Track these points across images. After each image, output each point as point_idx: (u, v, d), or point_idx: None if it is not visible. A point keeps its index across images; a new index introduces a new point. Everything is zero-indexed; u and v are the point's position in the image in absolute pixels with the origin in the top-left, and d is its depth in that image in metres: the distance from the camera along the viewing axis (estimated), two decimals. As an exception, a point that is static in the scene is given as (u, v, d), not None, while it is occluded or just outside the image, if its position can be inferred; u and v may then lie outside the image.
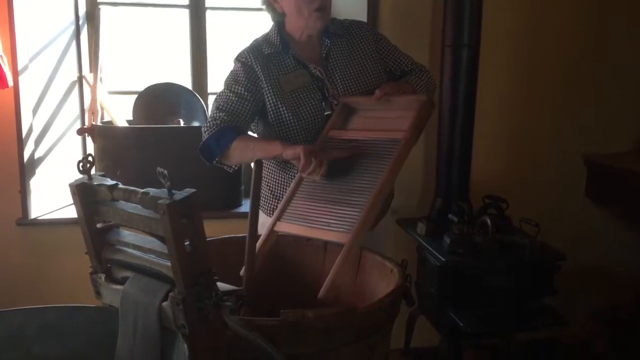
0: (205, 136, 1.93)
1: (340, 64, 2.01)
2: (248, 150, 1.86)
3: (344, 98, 1.97)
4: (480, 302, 2.36)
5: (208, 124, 1.93)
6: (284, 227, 1.79)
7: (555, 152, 3.07)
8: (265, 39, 2.02)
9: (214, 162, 1.94)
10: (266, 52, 1.97)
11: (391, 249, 1.83)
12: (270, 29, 2.04)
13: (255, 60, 1.95)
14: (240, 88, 1.93)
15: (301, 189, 1.86)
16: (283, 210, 1.83)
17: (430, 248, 2.42)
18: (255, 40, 2.04)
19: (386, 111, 1.91)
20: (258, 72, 1.95)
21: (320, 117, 1.96)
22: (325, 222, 1.71)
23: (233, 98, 1.93)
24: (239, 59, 2.00)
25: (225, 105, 1.93)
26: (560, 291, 2.43)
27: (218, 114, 1.92)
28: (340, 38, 2.05)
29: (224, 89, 1.97)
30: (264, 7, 2.04)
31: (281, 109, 1.93)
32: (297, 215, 1.78)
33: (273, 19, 2.05)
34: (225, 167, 1.97)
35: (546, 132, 3.06)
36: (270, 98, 1.93)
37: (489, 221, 2.34)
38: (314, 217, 1.75)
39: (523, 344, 2.62)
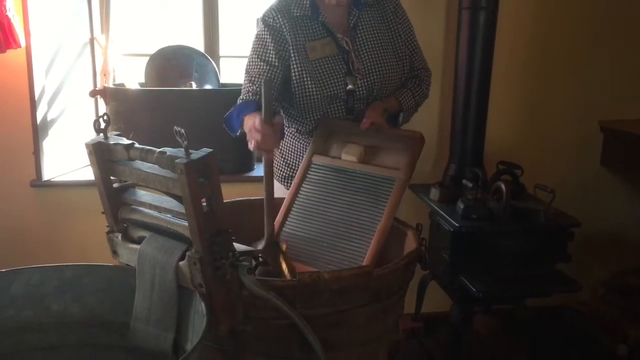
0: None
1: (368, 37, 1.92)
2: None
3: (325, 119, 1.91)
4: (492, 268, 2.36)
5: (243, 96, 1.88)
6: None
7: (571, 118, 3.03)
8: None
9: (237, 134, 1.91)
10: (295, 14, 1.88)
11: (403, 214, 1.82)
12: None
13: (283, 22, 1.87)
14: (270, 55, 1.86)
15: (292, 219, 1.77)
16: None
17: (443, 213, 2.41)
18: None
19: (372, 140, 1.82)
20: (286, 35, 1.87)
21: (342, 90, 1.88)
22: (327, 260, 1.66)
23: (264, 67, 1.86)
24: (265, 20, 1.89)
25: (258, 77, 1.85)
26: (573, 258, 2.43)
27: (252, 87, 1.86)
28: (370, 8, 1.95)
29: (254, 57, 1.89)
30: None
31: (305, 78, 1.86)
32: (292, 247, 1.69)
33: None
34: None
35: (562, 98, 3.01)
36: (295, 65, 1.87)
37: (503, 187, 2.33)
38: (313, 252, 1.69)
39: (534, 310, 2.63)
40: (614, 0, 2.94)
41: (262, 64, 1.87)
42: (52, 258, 2.66)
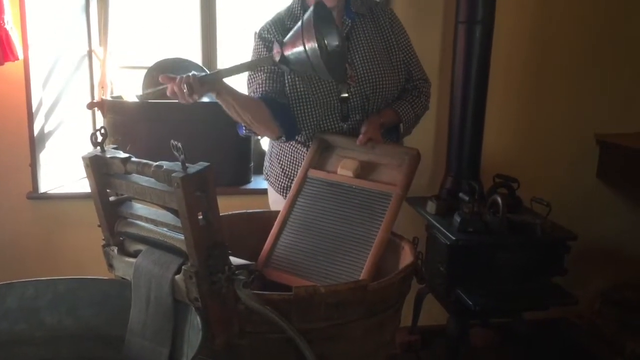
0: None
1: (361, 46, 1.96)
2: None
3: (321, 134, 1.92)
4: (489, 281, 2.35)
5: None
6: (276, 276, 1.70)
7: (568, 131, 3.04)
8: (288, 11, 1.99)
9: (244, 131, 1.91)
10: (288, 25, 1.93)
11: (400, 227, 1.82)
12: (293, 1, 2.01)
13: (277, 33, 1.93)
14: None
15: (287, 233, 1.77)
16: (270, 254, 1.75)
17: (439, 226, 2.41)
18: (278, 14, 2.01)
19: (368, 155, 1.83)
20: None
21: (335, 97, 1.90)
22: (323, 274, 1.66)
23: (262, 76, 1.91)
24: (260, 34, 1.97)
25: (259, 87, 1.90)
26: (570, 271, 2.42)
27: (255, 96, 1.90)
28: (362, 18, 1.99)
29: (251, 72, 1.95)
30: None
31: (297, 84, 1.90)
32: (289, 261, 1.70)
33: None
34: (253, 135, 2.00)
35: (558, 112, 3.02)
36: (287, 71, 1.90)
37: (499, 200, 2.33)
38: (309, 265, 1.68)
39: (531, 323, 2.62)
40: (611, 16, 2.96)
41: (260, 74, 1.92)
42: (48, 271, 2.64)
